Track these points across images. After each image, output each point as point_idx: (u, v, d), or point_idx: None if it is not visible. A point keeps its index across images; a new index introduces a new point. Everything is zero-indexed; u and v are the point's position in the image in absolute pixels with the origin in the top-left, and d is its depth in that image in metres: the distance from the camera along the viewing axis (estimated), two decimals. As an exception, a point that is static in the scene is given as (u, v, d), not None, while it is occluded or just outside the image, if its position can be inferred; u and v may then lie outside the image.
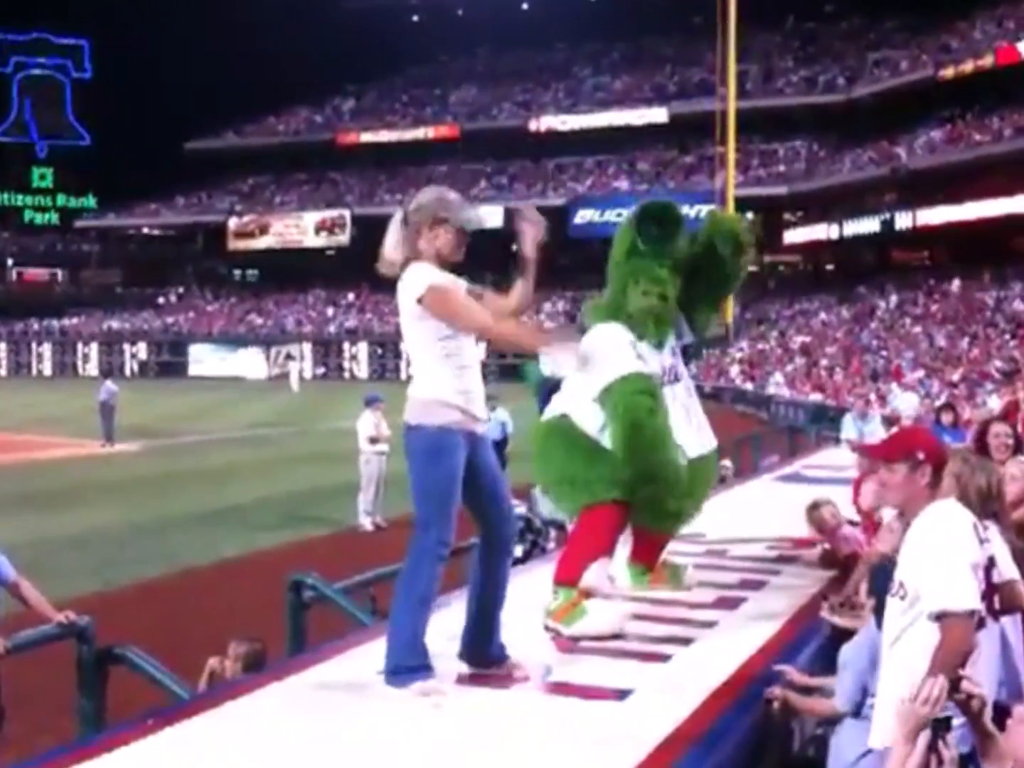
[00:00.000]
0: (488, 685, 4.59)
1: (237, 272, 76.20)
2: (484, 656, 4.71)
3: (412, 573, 4.50)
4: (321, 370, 63.13)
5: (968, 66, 49.13)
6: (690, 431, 6.01)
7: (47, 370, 68.51)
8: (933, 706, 3.00)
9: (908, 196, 50.15)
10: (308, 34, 70.85)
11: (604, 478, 5.71)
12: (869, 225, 52.19)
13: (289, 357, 61.95)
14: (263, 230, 70.63)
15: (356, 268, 54.26)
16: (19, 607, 5.79)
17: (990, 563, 3.73)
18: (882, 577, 4.00)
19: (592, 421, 5.81)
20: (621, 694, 4.46)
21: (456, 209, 4.62)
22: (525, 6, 71.22)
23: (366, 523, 15.71)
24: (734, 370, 44.67)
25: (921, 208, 48.74)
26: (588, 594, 5.45)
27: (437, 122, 69.73)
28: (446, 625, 4.78)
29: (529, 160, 66.66)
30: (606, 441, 5.75)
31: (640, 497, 5.77)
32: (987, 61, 48.10)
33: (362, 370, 62.06)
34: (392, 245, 4.61)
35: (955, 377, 30.56)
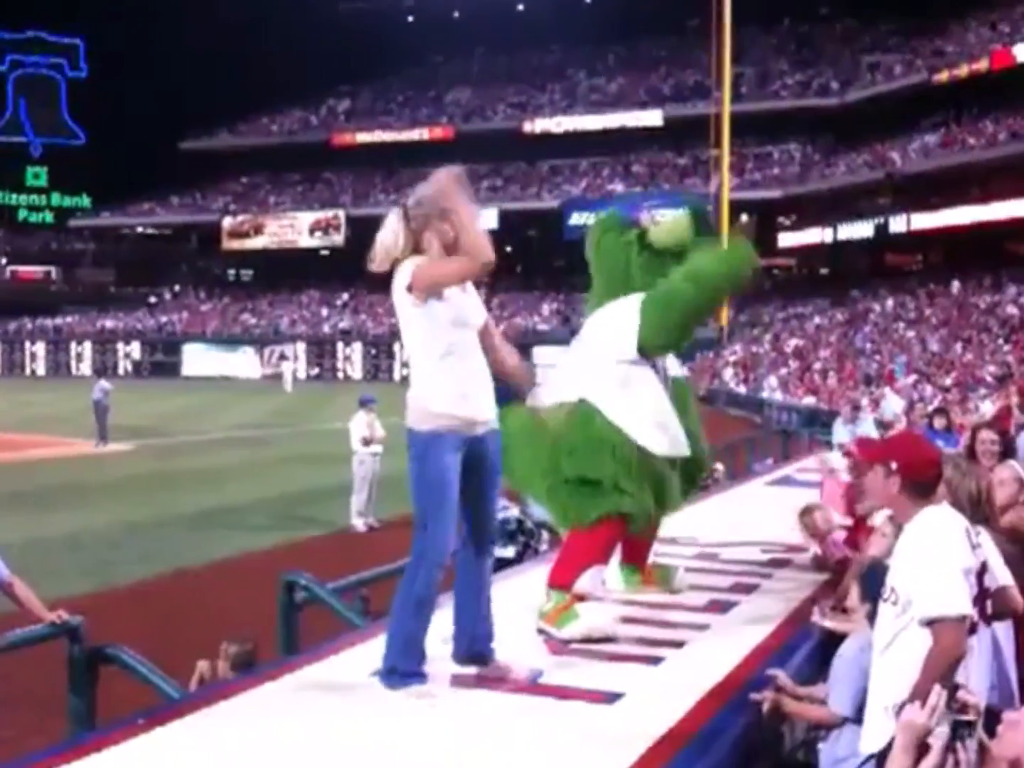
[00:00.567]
0: (480, 687, 4.58)
1: (231, 272, 76.08)
2: (472, 654, 4.71)
3: (409, 575, 4.53)
4: (315, 370, 63.07)
5: (963, 70, 49.11)
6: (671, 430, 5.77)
7: (41, 369, 68.35)
8: (932, 715, 3.01)
9: (902, 200, 50.17)
10: (303, 34, 70.75)
11: (630, 484, 5.49)
12: (863, 229, 52.23)
13: (283, 357, 61.86)
14: (257, 230, 70.53)
15: (350, 269, 54.17)
16: (9, 606, 5.77)
17: (982, 568, 3.73)
18: (874, 582, 4.00)
19: (620, 404, 5.51)
20: (612, 697, 4.46)
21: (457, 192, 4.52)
22: (520, 8, 71.14)
23: (359, 524, 15.67)
24: (727, 373, 44.69)
25: (915, 212, 48.77)
26: (581, 598, 5.43)
27: (432, 123, 69.60)
28: (438, 627, 4.76)
29: (524, 162, 66.64)
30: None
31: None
32: (982, 65, 48.09)
33: (356, 371, 62.00)
34: (393, 240, 4.57)
35: (948, 381, 30.57)
